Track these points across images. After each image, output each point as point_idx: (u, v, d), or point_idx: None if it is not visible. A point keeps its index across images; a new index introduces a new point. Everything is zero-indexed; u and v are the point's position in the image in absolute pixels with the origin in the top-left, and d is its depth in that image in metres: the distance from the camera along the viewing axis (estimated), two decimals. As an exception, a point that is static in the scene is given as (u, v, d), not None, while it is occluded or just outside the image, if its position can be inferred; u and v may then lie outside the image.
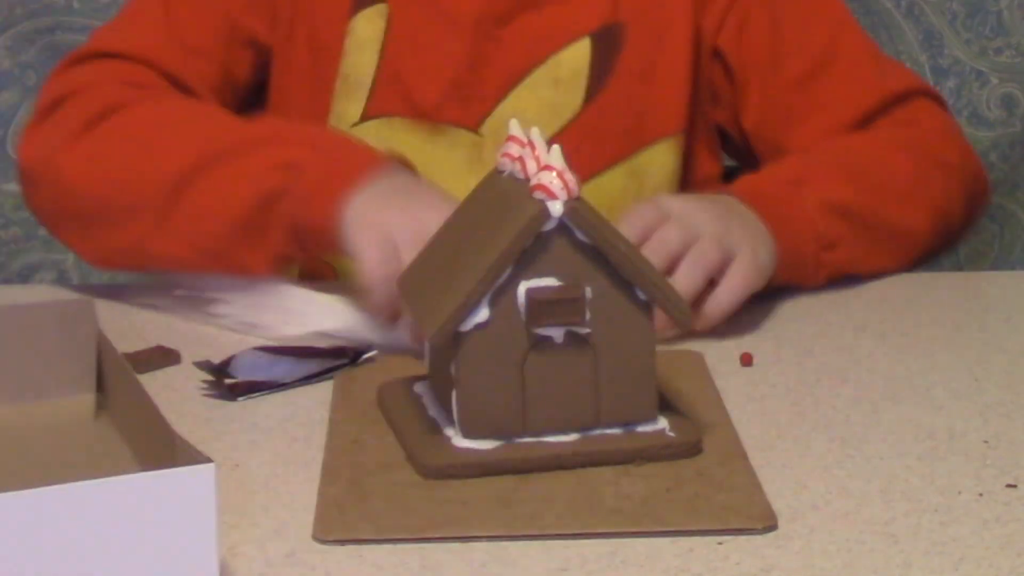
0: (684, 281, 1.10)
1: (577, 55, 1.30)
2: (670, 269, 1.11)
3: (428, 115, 1.30)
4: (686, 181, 1.37)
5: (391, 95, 1.30)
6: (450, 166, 1.30)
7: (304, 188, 1.14)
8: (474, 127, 1.31)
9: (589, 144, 1.29)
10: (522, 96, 1.31)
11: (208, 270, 1.18)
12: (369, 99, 1.31)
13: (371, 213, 1.11)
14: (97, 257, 1.25)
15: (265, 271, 1.17)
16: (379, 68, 1.30)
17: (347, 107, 1.31)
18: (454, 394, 0.97)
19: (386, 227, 1.10)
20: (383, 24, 1.29)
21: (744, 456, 0.99)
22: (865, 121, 1.34)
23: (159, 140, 1.20)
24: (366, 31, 1.29)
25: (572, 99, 1.30)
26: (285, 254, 1.17)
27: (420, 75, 1.30)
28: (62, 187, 1.22)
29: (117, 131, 1.22)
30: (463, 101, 1.30)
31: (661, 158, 1.33)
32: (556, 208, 0.95)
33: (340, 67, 1.29)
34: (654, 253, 1.09)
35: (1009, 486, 0.96)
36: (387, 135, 1.30)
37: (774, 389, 1.11)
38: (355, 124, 1.31)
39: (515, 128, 1.02)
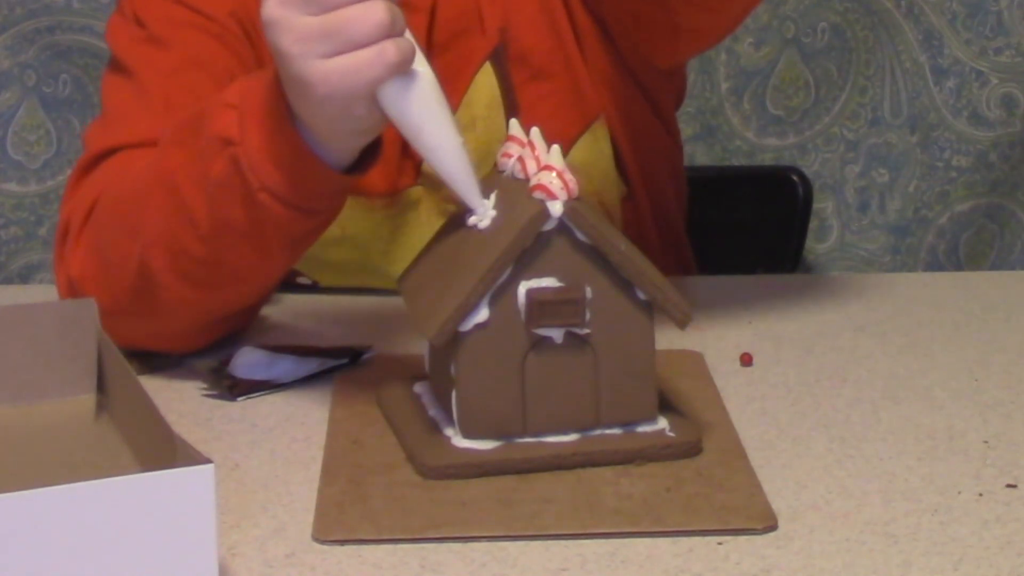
0: None
1: (484, 86, 1.28)
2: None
3: (377, 188, 1.29)
4: (631, 159, 1.34)
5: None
6: (415, 226, 1.29)
7: (249, 150, 1.05)
8: (413, 182, 1.29)
9: None
10: None
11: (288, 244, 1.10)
12: None
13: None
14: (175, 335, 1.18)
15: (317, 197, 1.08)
16: None
17: None
18: (454, 394, 0.97)
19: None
20: None
21: (744, 456, 0.99)
22: None
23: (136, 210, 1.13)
24: None
25: (497, 132, 1.28)
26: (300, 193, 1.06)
27: None
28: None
29: (101, 221, 1.17)
30: (398, 161, 1.28)
31: (590, 148, 1.31)
32: (556, 208, 0.95)
33: None
34: None
35: (1009, 486, 0.96)
36: (345, 216, 1.29)
37: (774, 389, 1.11)
38: None
39: (515, 128, 1.02)
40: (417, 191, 1.28)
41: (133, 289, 1.13)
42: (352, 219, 1.28)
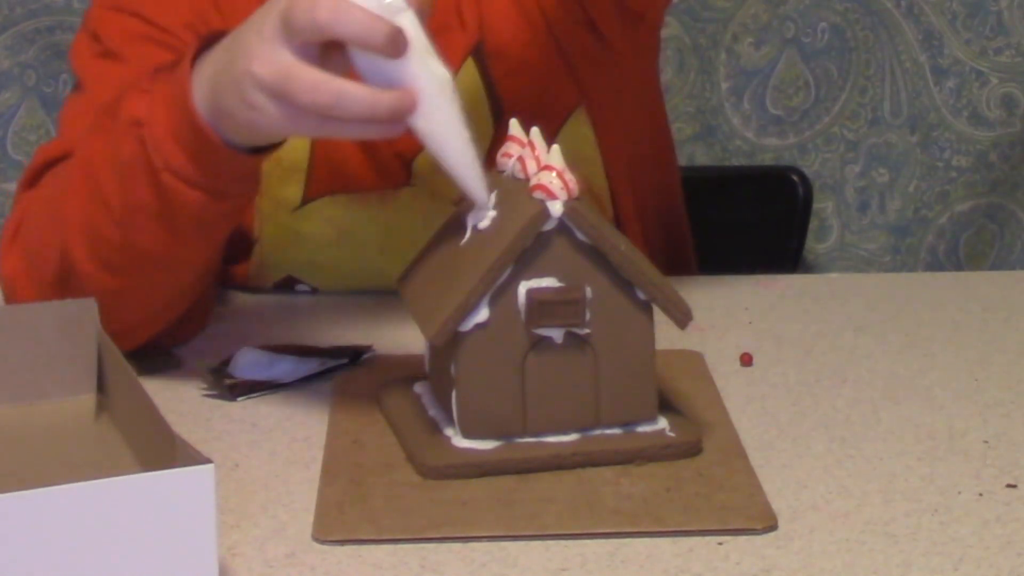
0: None
1: (467, 82, 1.27)
2: None
3: (369, 187, 1.29)
4: (611, 145, 1.35)
5: (330, 176, 1.28)
6: (411, 227, 1.28)
7: (155, 125, 1.07)
8: (406, 181, 1.29)
9: None
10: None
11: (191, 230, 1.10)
12: (308, 182, 1.29)
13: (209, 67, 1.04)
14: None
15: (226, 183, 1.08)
16: (313, 151, 1.28)
17: (285, 192, 1.28)
18: (454, 394, 0.97)
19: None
20: None
21: (744, 456, 0.99)
22: None
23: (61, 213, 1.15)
24: None
25: (483, 126, 1.27)
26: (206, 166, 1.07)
27: (354, 154, 1.27)
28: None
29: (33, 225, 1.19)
30: (388, 160, 1.28)
31: (573, 136, 1.31)
32: (556, 208, 0.95)
33: None
34: None
35: (1009, 486, 0.96)
36: (331, 213, 1.29)
37: (774, 389, 1.11)
38: (297, 208, 1.29)
39: (515, 128, 1.02)
40: (410, 191, 1.28)
41: (58, 281, 1.13)
42: (347, 218, 1.28)
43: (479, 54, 1.27)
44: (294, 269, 1.31)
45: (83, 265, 1.11)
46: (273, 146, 1.06)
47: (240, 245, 1.29)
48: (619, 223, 1.32)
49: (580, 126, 1.31)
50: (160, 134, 1.04)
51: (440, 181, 1.27)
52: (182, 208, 1.06)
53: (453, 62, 1.26)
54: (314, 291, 1.32)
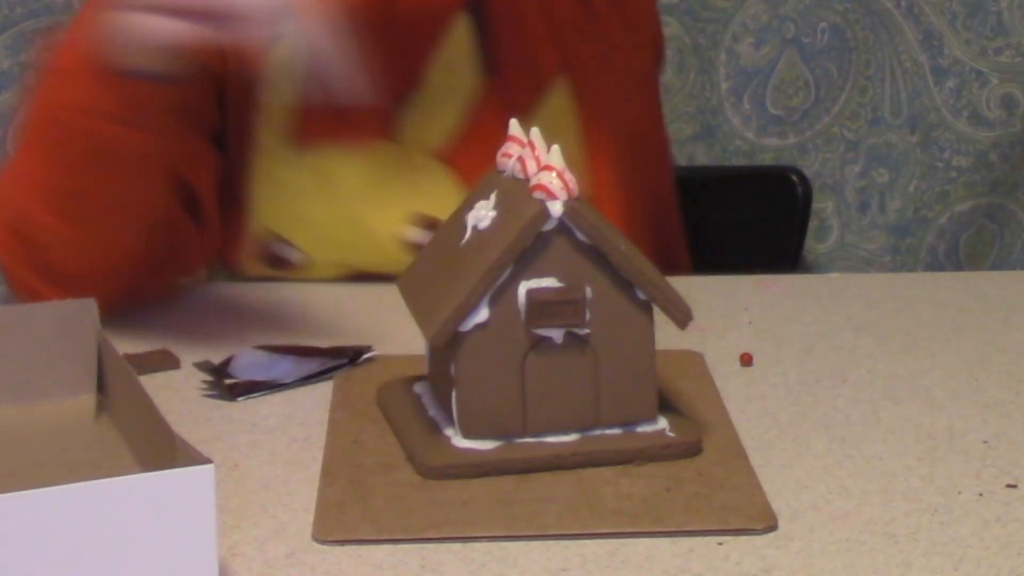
0: None
1: (458, 35, 1.29)
2: None
3: (352, 139, 1.30)
4: (595, 119, 1.36)
5: (314, 128, 1.29)
6: (399, 182, 1.29)
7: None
8: (389, 134, 1.30)
9: (501, 119, 1.23)
10: (422, 100, 1.30)
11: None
12: (293, 135, 1.29)
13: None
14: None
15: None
16: (298, 106, 1.29)
17: (271, 145, 1.30)
18: (454, 394, 0.97)
19: None
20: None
21: (744, 456, 0.99)
22: None
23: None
24: (283, 58, 1.27)
25: (472, 82, 1.29)
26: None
27: (336, 107, 1.28)
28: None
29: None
30: (371, 113, 1.29)
31: (552, 103, 1.32)
32: (556, 208, 0.95)
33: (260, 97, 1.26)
34: None
35: (1009, 486, 0.96)
36: (316, 165, 1.29)
37: (774, 389, 1.11)
38: (282, 160, 1.30)
39: (515, 128, 1.02)
40: (393, 144, 1.29)
41: (15, 234, 1.21)
42: (334, 171, 1.29)
43: (475, 8, 1.28)
44: (280, 225, 1.31)
45: (41, 216, 1.19)
46: (185, 77, 1.14)
47: (233, 224, 1.31)
48: (594, 198, 1.32)
49: (560, 96, 1.32)
50: (84, 76, 1.14)
51: (424, 134, 1.29)
52: (107, 144, 1.15)
53: (447, 13, 1.28)
54: (301, 269, 1.32)
